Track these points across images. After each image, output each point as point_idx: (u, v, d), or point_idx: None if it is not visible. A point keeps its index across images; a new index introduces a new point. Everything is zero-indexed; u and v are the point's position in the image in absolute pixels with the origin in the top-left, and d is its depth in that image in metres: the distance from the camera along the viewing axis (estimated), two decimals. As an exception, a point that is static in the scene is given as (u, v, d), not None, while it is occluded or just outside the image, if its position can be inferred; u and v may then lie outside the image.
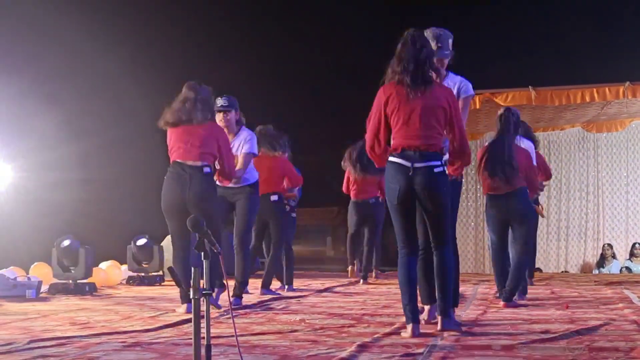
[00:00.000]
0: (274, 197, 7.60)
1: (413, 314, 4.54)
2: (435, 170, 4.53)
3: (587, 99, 11.24)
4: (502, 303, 6.39)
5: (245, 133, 6.64)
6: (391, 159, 4.59)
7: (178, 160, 5.82)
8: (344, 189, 9.63)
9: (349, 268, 9.95)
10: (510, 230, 6.62)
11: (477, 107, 11.56)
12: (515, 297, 6.51)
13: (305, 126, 8.92)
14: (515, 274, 6.43)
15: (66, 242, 7.75)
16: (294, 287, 8.35)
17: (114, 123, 10.66)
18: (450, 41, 5.05)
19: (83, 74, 10.78)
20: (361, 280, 9.42)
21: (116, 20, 10.97)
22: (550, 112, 12.56)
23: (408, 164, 4.51)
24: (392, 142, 4.62)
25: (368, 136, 4.68)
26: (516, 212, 6.46)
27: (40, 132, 9.75)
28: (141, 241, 9.06)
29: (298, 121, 8.72)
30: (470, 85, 5.11)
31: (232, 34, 13.70)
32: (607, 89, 11.16)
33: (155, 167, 6.90)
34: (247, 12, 14.08)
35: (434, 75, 4.62)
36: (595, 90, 11.17)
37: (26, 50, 10.25)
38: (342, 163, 9.48)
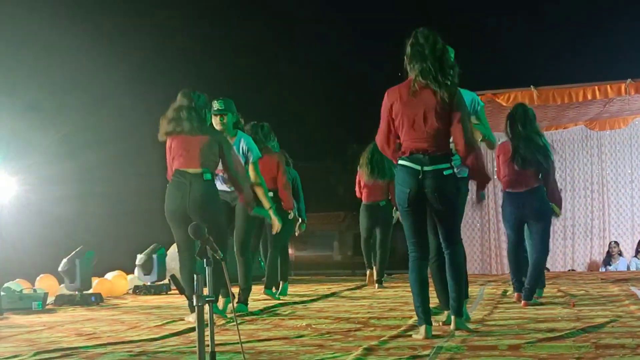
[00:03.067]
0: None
1: (426, 315, 4.57)
2: (445, 172, 4.57)
3: (589, 96, 11.23)
4: (522, 302, 6.40)
5: (243, 139, 6.51)
6: (401, 162, 4.63)
7: (179, 168, 5.83)
8: (356, 193, 9.58)
9: (368, 272, 9.55)
10: (526, 227, 6.65)
11: (479, 108, 11.56)
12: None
13: (311, 133, 8.94)
14: (534, 273, 6.46)
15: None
16: (289, 292, 8.27)
17: (116, 137, 10.70)
18: (452, 56, 5.02)
19: (85, 90, 10.83)
20: (376, 285, 9.25)
21: (117, 36, 11.03)
22: (553, 111, 12.54)
23: (418, 167, 4.56)
24: (401, 144, 4.64)
25: (378, 137, 4.76)
26: (533, 210, 6.47)
27: (44, 146, 9.78)
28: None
29: (304, 128, 8.72)
30: (478, 98, 5.48)
31: (236, 44, 13.76)
32: (608, 87, 11.14)
33: (157, 179, 6.91)
34: (250, 22, 14.13)
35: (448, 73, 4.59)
36: (597, 88, 11.16)
37: (29, 66, 10.30)
38: (358, 168, 9.45)
